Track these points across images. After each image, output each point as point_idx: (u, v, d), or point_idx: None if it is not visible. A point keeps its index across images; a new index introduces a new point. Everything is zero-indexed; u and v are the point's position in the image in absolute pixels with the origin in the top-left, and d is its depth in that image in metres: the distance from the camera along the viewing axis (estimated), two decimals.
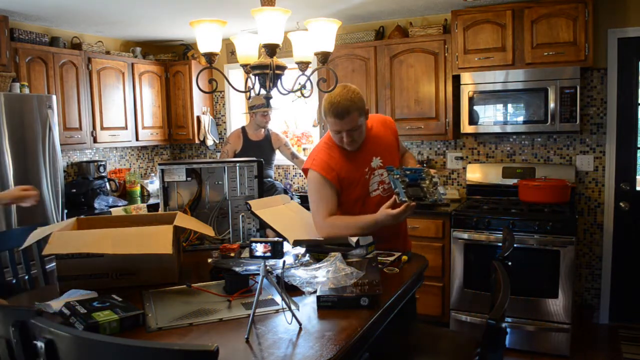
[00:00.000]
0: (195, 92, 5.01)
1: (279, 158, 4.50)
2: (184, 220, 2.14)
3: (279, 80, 2.28)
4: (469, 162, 4.28)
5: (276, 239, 1.87)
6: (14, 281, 2.42)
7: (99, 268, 1.93)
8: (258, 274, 1.67)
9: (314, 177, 2.33)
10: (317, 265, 1.96)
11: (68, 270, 1.92)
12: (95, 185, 4.29)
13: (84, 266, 1.92)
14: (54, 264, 3.51)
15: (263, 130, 4.29)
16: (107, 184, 4.48)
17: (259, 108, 4.09)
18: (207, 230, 2.24)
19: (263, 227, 2.61)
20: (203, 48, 2.17)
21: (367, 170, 2.37)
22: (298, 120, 5.17)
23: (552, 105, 3.58)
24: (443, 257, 3.76)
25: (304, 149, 4.93)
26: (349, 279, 1.80)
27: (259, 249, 1.77)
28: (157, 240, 1.84)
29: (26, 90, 3.69)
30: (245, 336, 1.47)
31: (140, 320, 1.59)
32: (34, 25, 4.18)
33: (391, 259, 2.26)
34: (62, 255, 1.90)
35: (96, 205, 4.18)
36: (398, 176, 2.21)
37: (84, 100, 4.24)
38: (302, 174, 4.84)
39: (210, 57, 2.18)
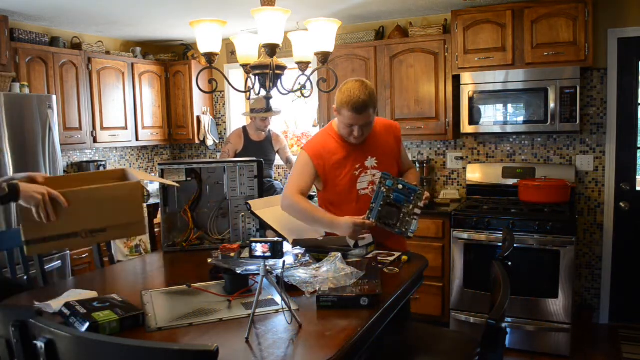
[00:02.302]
0: (195, 92, 5.01)
1: (279, 158, 4.50)
2: (137, 174, 2.16)
3: (279, 80, 2.28)
4: (469, 162, 4.28)
5: (276, 239, 1.87)
6: (25, 277, 2.42)
7: (68, 227, 1.82)
8: (258, 274, 1.67)
9: (303, 157, 2.40)
10: (317, 265, 1.96)
11: (36, 232, 1.77)
12: None
13: (52, 226, 1.78)
14: (54, 263, 3.53)
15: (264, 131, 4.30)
16: None
17: (259, 112, 4.08)
18: (152, 178, 2.19)
19: (263, 227, 2.61)
20: (203, 48, 2.18)
21: (359, 167, 2.37)
22: (298, 120, 5.17)
23: (552, 105, 3.58)
24: (443, 257, 3.76)
25: None
26: (349, 279, 1.80)
27: (259, 249, 1.77)
28: (129, 204, 1.93)
29: (26, 90, 3.69)
30: (245, 336, 1.47)
31: (140, 320, 1.59)
32: (34, 25, 4.18)
33: (391, 259, 2.25)
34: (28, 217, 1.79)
35: None
36: (387, 188, 2.18)
37: (84, 100, 4.24)
38: None
39: (210, 57, 2.18)
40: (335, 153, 2.37)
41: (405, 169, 2.56)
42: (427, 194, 2.21)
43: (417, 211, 2.18)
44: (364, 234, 2.20)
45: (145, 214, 4.15)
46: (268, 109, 4.11)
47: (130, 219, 1.95)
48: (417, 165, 4.27)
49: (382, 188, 2.19)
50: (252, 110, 4.14)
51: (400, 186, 2.19)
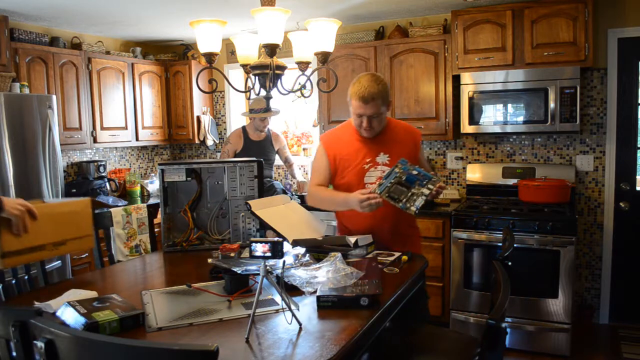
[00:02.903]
0: (195, 92, 5.01)
1: (279, 158, 4.50)
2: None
3: (279, 80, 2.28)
4: (469, 162, 4.28)
5: (276, 239, 1.87)
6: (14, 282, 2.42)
7: (37, 240, 2.05)
8: (258, 274, 1.67)
9: (318, 147, 2.58)
10: (317, 265, 1.96)
11: (13, 245, 1.96)
12: (95, 185, 4.29)
13: (26, 239, 1.99)
14: (54, 264, 3.53)
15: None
16: (107, 184, 4.48)
17: (258, 112, 4.09)
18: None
19: (263, 227, 2.61)
20: (203, 48, 2.17)
21: (369, 161, 2.42)
22: (298, 121, 5.17)
23: (552, 105, 3.58)
24: (443, 257, 3.76)
25: (304, 149, 4.93)
26: (349, 279, 1.80)
27: (259, 249, 1.77)
28: (82, 219, 2.22)
29: (26, 90, 3.69)
30: (245, 336, 1.47)
31: (140, 320, 1.59)
32: (34, 25, 4.18)
33: (391, 259, 2.26)
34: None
35: None
36: (400, 171, 2.23)
37: (84, 100, 4.24)
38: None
39: (210, 57, 2.18)
40: (349, 144, 2.46)
41: None
42: (442, 183, 2.23)
43: (426, 191, 2.18)
44: (373, 205, 2.18)
45: (146, 214, 4.14)
46: (267, 109, 4.13)
47: (83, 232, 2.21)
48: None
49: (396, 169, 2.24)
50: (251, 111, 4.14)
51: (415, 172, 2.23)
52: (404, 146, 2.46)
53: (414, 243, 2.54)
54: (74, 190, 4.17)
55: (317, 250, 2.20)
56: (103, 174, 4.55)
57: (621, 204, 3.81)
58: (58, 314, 1.63)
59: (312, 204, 2.52)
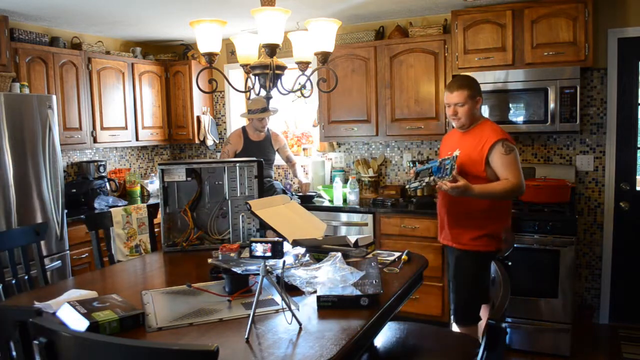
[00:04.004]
0: (195, 92, 5.01)
1: (279, 158, 4.50)
2: None
3: (279, 80, 2.28)
4: None
5: (276, 239, 1.87)
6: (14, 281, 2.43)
7: None
8: (258, 274, 1.67)
9: None
10: (317, 265, 1.96)
11: None
12: (95, 185, 4.29)
13: None
14: (54, 263, 3.53)
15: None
16: (107, 184, 4.48)
17: (255, 113, 4.09)
18: None
19: (263, 227, 2.61)
20: (203, 48, 2.18)
21: (449, 154, 2.66)
22: (298, 121, 5.17)
23: (552, 105, 3.58)
24: (443, 257, 3.75)
25: (304, 149, 4.93)
26: (349, 279, 1.80)
27: (259, 249, 1.77)
28: None
29: (26, 90, 3.69)
30: (245, 336, 1.47)
31: (140, 320, 1.59)
32: (34, 25, 4.18)
33: (391, 259, 2.26)
34: None
35: (96, 205, 4.18)
36: (439, 163, 2.62)
37: (84, 100, 4.24)
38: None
39: (210, 57, 2.18)
40: (451, 138, 2.87)
41: (493, 178, 2.63)
42: (448, 184, 2.45)
43: (426, 180, 2.61)
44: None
45: (146, 214, 4.15)
46: (264, 109, 4.13)
47: None
48: (417, 165, 4.26)
49: (440, 160, 2.63)
50: (249, 111, 4.14)
51: (445, 167, 2.56)
52: (473, 147, 2.65)
53: (462, 236, 2.71)
54: (74, 190, 4.17)
55: (317, 250, 2.20)
56: (103, 174, 4.55)
57: (621, 204, 3.81)
58: (58, 314, 1.63)
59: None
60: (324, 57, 2.27)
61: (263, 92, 2.30)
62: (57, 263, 3.59)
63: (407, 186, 2.77)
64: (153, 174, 5.16)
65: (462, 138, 2.75)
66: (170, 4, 3.68)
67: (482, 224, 2.65)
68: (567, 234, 3.34)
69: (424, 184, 2.62)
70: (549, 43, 3.58)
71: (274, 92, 2.33)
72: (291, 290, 1.83)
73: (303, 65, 2.39)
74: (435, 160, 2.69)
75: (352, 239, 2.34)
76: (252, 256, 1.85)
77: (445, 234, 2.82)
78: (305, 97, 2.55)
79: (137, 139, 4.78)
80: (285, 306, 1.56)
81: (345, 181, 4.40)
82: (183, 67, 5.02)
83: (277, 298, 1.78)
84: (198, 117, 5.07)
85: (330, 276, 1.83)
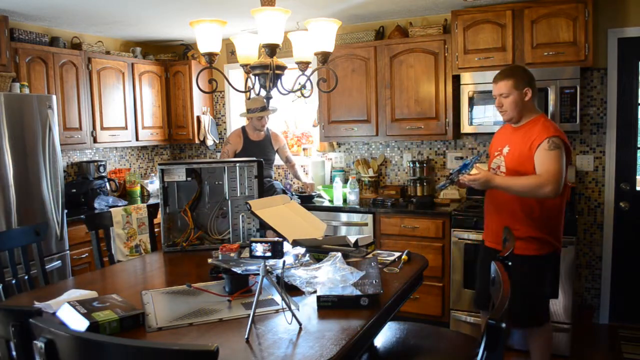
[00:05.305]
0: (195, 92, 5.01)
1: (279, 157, 4.50)
2: None
3: (279, 80, 2.28)
4: None
5: (276, 239, 1.87)
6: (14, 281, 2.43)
7: None
8: (258, 274, 1.67)
9: None
10: (317, 265, 1.96)
11: None
12: (95, 185, 4.29)
13: None
14: (54, 263, 3.53)
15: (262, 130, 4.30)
16: (107, 184, 4.48)
17: (254, 112, 4.09)
18: None
19: (263, 227, 2.61)
20: (203, 48, 2.18)
21: (500, 149, 2.68)
22: (298, 120, 5.17)
23: (552, 105, 3.58)
24: (443, 257, 3.76)
25: (304, 149, 4.93)
26: (349, 279, 1.80)
27: (259, 249, 1.77)
28: None
29: (26, 90, 3.69)
30: (245, 336, 1.47)
31: (140, 320, 1.59)
32: (34, 25, 4.18)
33: (391, 259, 2.26)
34: None
35: (96, 205, 4.18)
36: (470, 161, 2.62)
37: (84, 100, 4.24)
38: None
39: (210, 57, 2.18)
40: (502, 133, 2.77)
41: (530, 173, 2.54)
42: (467, 176, 2.51)
43: (452, 177, 2.62)
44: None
45: (146, 214, 4.15)
46: (262, 108, 4.12)
47: None
48: (417, 165, 4.26)
49: (470, 161, 2.63)
50: (248, 111, 4.14)
51: (470, 165, 2.58)
52: (521, 144, 2.57)
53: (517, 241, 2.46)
54: (74, 190, 4.17)
55: (317, 250, 2.21)
56: (103, 174, 4.55)
57: (621, 204, 3.81)
58: (58, 314, 1.63)
59: None
60: (324, 57, 2.27)
61: (263, 92, 2.30)
62: (57, 263, 3.59)
63: (438, 185, 2.86)
64: (153, 174, 5.16)
65: (513, 134, 2.64)
66: (170, 3, 3.68)
67: (536, 226, 2.56)
68: (567, 234, 3.33)
69: (448, 181, 2.65)
70: (549, 43, 3.58)
71: (274, 92, 2.33)
72: (291, 290, 1.83)
73: (303, 65, 2.39)
74: (467, 159, 2.75)
75: (352, 239, 2.34)
76: (252, 256, 1.85)
77: (494, 237, 2.69)
78: (305, 97, 2.55)
79: (137, 139, 4.78)
80: (285, 306, 1.56)
81: (345, 181, 4.40)
82: (183, 67, 5.02)
83: (277, 298, 1.78)
84: (198, 117, 5.07)
85: (330, 276, 1.83)
